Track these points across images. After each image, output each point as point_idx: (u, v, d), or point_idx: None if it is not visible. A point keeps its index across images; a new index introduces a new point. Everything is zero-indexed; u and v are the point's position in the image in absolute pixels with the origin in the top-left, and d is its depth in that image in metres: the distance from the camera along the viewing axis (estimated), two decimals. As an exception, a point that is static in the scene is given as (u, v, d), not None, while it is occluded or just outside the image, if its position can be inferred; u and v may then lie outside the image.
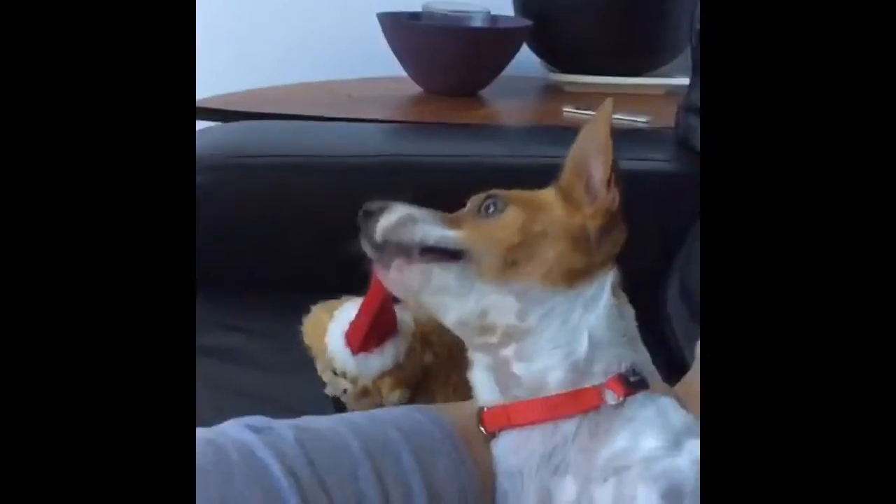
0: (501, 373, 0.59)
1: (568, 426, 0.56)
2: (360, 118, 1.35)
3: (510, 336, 0.58)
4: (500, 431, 0.59)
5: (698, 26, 1.37)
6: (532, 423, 0.57)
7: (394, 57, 1.55)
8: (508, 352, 0.58)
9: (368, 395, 0.70)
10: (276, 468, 0.49)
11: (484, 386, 0.61)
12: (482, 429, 0.60)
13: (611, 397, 0.56)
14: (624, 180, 1.18)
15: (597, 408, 0.56)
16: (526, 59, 1.67)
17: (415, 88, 1.57)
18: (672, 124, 1.31)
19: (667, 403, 0.57)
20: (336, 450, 0.53)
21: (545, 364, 0.57)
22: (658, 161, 1.20)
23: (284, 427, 0.53)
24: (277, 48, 1.79)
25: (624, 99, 1.58)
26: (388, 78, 1.62)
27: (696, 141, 1.20)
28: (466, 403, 0.67)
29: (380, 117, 1.39)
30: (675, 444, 0.54)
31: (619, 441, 0.55)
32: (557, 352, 0.57)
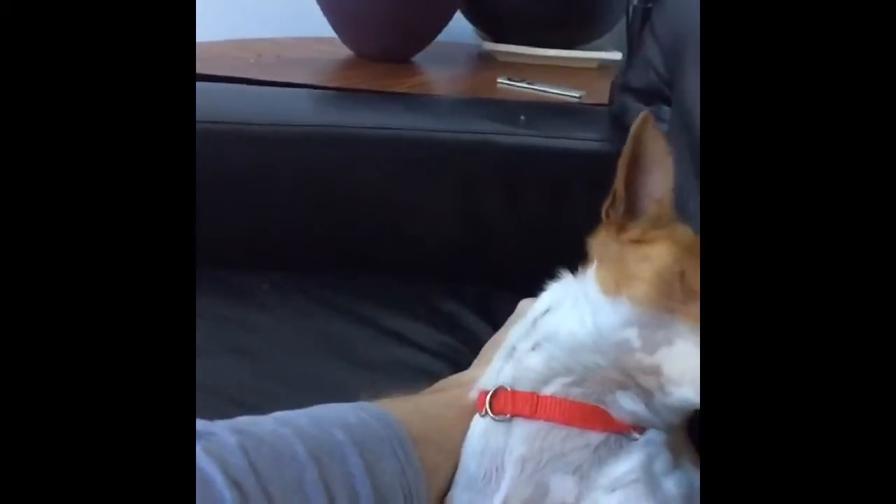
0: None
1: (594, 437, 0.57)
2: (290, 82, 1.30)
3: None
4: (513, 416, 0.59)
5: (635, 1, 1.37)
6: (560, 423, 0.58)
7: (324, 18, 1.49)
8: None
9: None
10: (219, 480, 0.46)
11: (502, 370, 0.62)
12: (488, 409, 0.60)
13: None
14: (562, 158, 1.19)
15: (623, 432, 0.58)
16: (460, 27, 1.64)
17: (345, 51, 1.52)
18: (605, 101, 1.31)
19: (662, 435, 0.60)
20: (281, 456, 0.50)
21: None
22: (595, 141, 1.19)
23: (226, 431, 0.50)
24: (204, 1, 1.70)
25: (557, 72, 1.57)
26: (318, 39, 1.56)
27: (632, 121, 1.19)
28: (412, 398, 0.65)
29: (310, 81, 1.34)
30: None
31: (634, 459, 0.56)
32: None
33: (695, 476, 0.58)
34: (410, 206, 1.11)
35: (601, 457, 0.57)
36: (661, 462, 0.58)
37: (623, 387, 0.59)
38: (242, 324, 0.96)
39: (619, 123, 1.22)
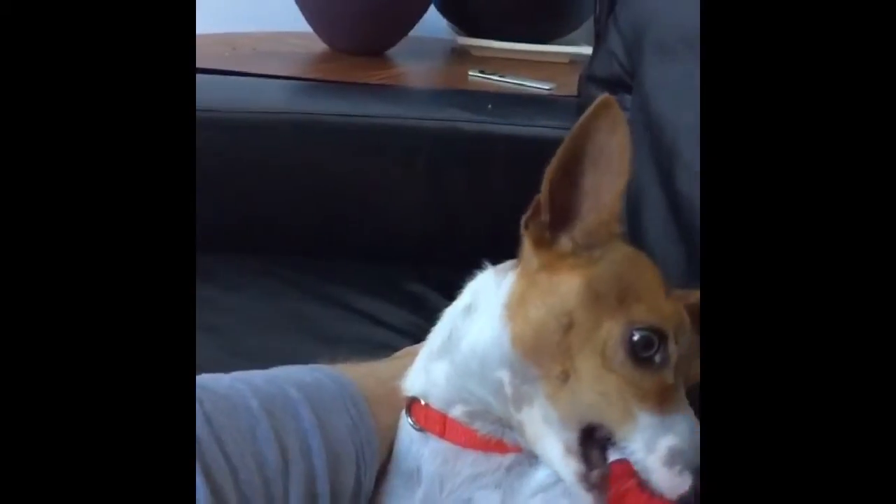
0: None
1: (503, 459, 0.57)
2: (264, 73, 1.32)
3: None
4: (427, 432, 0.59)
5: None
6: (467, 448, 0.57)
7: (299, 12, 1.52)
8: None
9: None
10: None
11: (436, 385, 0.59)
12: (410, 419, 0.59)
13: None
14: (528, 146, 1.22)
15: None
16: (434, 22, 1.67)
17: (321, 45, 1.55)
18: (575, 93, 1.34)
19: None
20: (235, 408, 0.53)
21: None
22: (560, 129, 1.22)
23: (185, 384, 0.53)
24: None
25: (529, 66, 1.60)
26: (293, 33, 1.59)
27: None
28: (367, 363, 0.68)
29: (285, 73, 1.36)
30: None
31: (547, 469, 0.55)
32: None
33: None
34: (379, 191, 1.15)
35: (519, 472, 0.56)
36: None
37: (512, 427, 0.56)
38: (215, 305, 0.99)
39: (583, 112, 1.26)
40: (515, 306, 0.55)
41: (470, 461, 0.57)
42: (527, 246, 0.57)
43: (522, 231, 0.57)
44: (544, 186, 0.54)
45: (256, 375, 0.59)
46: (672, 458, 0.50)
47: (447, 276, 1.09)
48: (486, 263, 0.62)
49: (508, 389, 0.54)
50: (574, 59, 1.69)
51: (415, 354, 0.68)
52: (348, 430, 0.58)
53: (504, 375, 0.54)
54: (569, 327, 0.52)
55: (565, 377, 0.52)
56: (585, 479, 0.51)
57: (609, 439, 0.52)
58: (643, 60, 1.11)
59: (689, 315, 0.57)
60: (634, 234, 1.01)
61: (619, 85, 1.19)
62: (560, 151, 0.53)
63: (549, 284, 0.54)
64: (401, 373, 0.64)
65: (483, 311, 0.57)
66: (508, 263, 0.60)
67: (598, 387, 0.51)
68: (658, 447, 0.50)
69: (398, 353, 0.74)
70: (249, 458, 0.52)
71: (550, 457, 0.53)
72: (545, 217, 0.55)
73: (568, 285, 0.54)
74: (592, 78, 1.26)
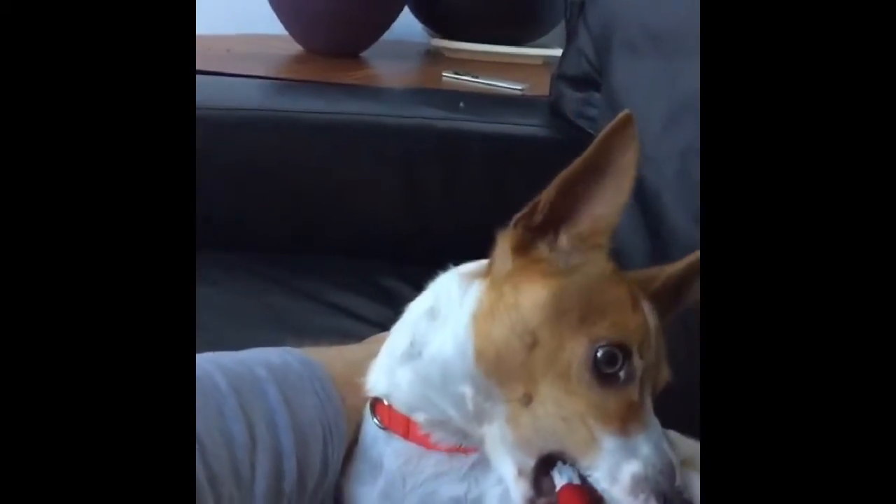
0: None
1: (466, 459, 0.57)
2: (239, 73, 1.34)
3: None
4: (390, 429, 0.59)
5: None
6: (430, 449, 0.57)
7: (274, 14, 1.53)
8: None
9: None
10: None
11: (407, 391, 0.58)
12: (374, 419, 0.59)
13: None
14: (500, 143, 1.24)
15: None
16: (409, 24, 1.69)
17: (295, 47, 1.56)
18: (547, 93, 1.36)
19: None
20: (202, 387, 0.54)
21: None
22: (532, 126, 1.24)
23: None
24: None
25: (503, 68, 1.63)
26: (268, 36, 1.60)
27: (568, 108, 1.25)
28: (334, 348, 0.69)
29: (260, 74, 1.38)
30: None
31: None
32: None
33: None
34: (354, 188, 1.16)
35: (483, 467, 0.57)
36: None
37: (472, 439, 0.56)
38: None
39: (555, 111, 1.28)
40: (480, 320, 0.54)
41: (433, 461, 0.58)
42: (503, 248, 0.56)
43: (508, 231, 0.56)
44: (550, 190, 0.54)
45: (224, 356, 0.60)
46: (636, 487, 0.50)
47: (421, 271, 1.11)
48: (450, 265, 0.61)
49: (470, 405, 0.54)
50: (547, 61, 1.71)
51: (383, 341, 0.68)
52: (315, 409, 0.59)
53: (466, 391, 0.54)
54: (532, 347, 0.52)
55: (528, 400, 0.52)
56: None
57: (564, 461, 0.52)
58: (611, 58, 1.13)
59: (651, 293, 0.59)
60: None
61: (589, 83, 1.22)
62: (581, 160, 0.53)
63: (514, 297, 0.54)
64: (368, 357, 0.64)
65: (447, 320, 0.56)
66: (473, 267, 0.59)
67: (561, 412, 0.51)
68: (622, 477, 0.50)
69: (367, 340, 0.75)
70: (217, 434, 0.53)
71: (503, 474, 0.53)
72: (539, 218, 0.55)
73: (533, 299, 0.53)
74: (563, 77, 1.28)
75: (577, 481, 0.51)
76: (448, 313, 0.57)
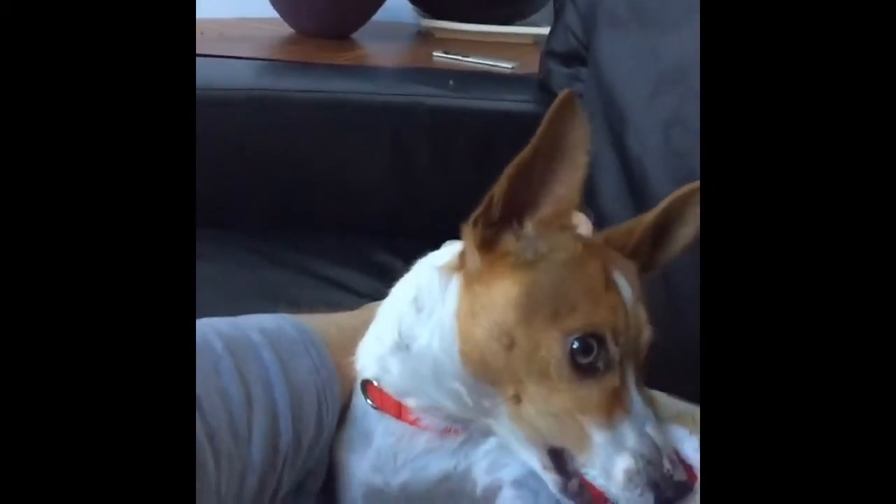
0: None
1: (456, 439, 0.59)
2: (231, 55, 1.35)
3: None
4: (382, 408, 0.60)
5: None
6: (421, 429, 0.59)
7: (265, -4, 1.54)
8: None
9: None
10: None
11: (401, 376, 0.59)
12: (368, 399, 0.60)
13: None
14: (489, 120, 1.25)
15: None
16: (399, 5, 1.70)
17: (286, 29, 1.57)
18: (536, 71, 1.38)
19: None
20: (199, 348, 0.56)
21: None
22: (520, 102, 1.26)
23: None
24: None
25: (493, 47, 1.64)
26: (259, 19, 1.61)
27: (556, 84, 1.27)
28: (328, 315, 0.70)
29: (252, 56, 1.39)
30: None
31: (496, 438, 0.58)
32: None
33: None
34: (345, 165, 1.18)
35: (472, 443, 0.59)
36: None
37: (471, 422, 0.58)
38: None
39: (544, 87, 1.29)
40: (462, 321, 0.55)
41: (424, 439, 0.59)
42: (469, 245, 0.56)
43: (467, 230, 0.55)
44: (501, 183, 0.53)
45: (220, 321, 0.61)
46: (630, 481, 0.51)
47: (412, 245, 1.13)
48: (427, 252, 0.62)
49: (468, 400, 0.55)
50: (537, 40, 1.72)
51: (375, 310, 0.69)
52: (310, 371, 0.61)
53: (460, 388, 0.55)
54: (510, 347, 0.52)
55: (518, 399, 0.53)
56: (565, 489, 0.53)
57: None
58: (597, 34, 1.15)
59: (632, 248, 0.60)
60: (590, 196, 1.04)
61: (576, 59, 1.23)
62: (526, 150, 0.52)
63: (487, 297, 0.54)
64: (361, 325, 0.65)
65: (431, 314, 0.57)
66: (448, 258, 0.59)
67: (549, 409, 0.52)
68: (615, 473, 0.51)
69: (360, 308, 0.76)
70: (214, 393, 0.55)
71: (530, 465, 0.55)
72: (495, 214, 0.54)
73: (505, 297, 0.53)
74: (551, 53, 1.29)
75: None
76: (432, 308, 0.57)
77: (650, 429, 0.52)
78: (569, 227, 0.56)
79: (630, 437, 0.52)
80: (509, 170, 0.53)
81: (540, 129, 0.52)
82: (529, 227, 0.55)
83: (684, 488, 0.51)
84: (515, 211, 0.55)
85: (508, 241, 0.55)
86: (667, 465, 0.51)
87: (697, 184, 0.59)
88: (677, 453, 0.53)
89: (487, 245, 0.55)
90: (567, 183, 0.54)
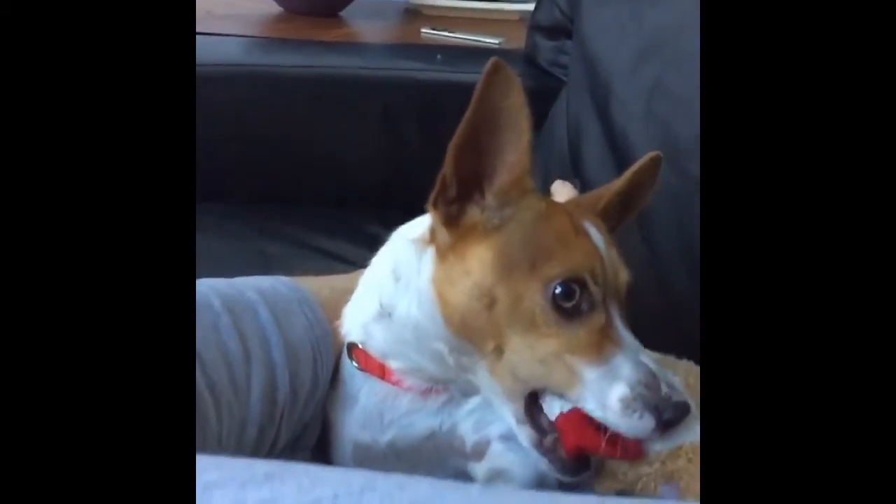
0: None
1: (438, 398, 0.61)
2: (220, 33, 1.36)
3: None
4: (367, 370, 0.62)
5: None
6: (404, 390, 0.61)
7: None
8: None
9: None
10: None
11: (386, 342, 0.60)
12: (353, 361, 0.62)
13: None
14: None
15: None
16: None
17: (275, 7, 1.58)
18: (523, 47, 1.39)
19: None
20: (198, 304, 0.58)
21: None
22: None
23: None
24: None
25: (481, 24, 1.65)
26: (247, -3, 1.63)
27: (542, 57, 1.29)
28: (321, 277, 0.72)
29: (241, 33, 1.40)
30: None
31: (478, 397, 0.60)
32: None
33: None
34: (336, 140, 1.20)
35: (454, 403, 0.61)
36: None
37: (451, 381, 0.59)
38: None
39: (530, 61, 1.31)
40: (439, 288, 0.56)
41: (408, 399, 0.61)
42: (436, 223, 0.57)
43: (430, 210, 0.57)
44: (448, 163, 0.55)
45: (217, 282, 0.63)
46: (626, 408, 0.51)
47: (403, 217, 1.16)
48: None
49: (449, 360, 0.57)
50: (524, 16, 1.73)
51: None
52: (304, 329, 0.63)
53: (442, 348, 0.57)
54: (492, 305, 0.54)
55: (500, 352, 0.54)
56: (540, 444, 0.55)
57: (556, 394, 0.54)
58: (581, 6, 1.17)
59: (600, 210, 0.63)
60: (576, 165, 1.07)
61: (561, 31, 1.25)
62: (461, 126, 0.53)
63: (462, 265, 0.55)
64: (353, 286, 0.67)
65: (409, 285, 0.59)
66: (421, 227, 0.61)
67: (536, 355, 0.53)
68: (610, 402, 0.51)
69: (352, 273, 0.78)
70: (213, 347, 0.57)
71: (506, 421, 0.57)
72: (452, 192, 0.56)
73: (480, 261, 0.55)
74: (537, 27, 1.31)
75: (566, 408, 0.54)
76: (409, 279, 0.59)
77: (644, 357, 0.53)
78: (529, 191, 0.57)
79: (625, 367, 0.52)
80: (451, 149, 0.54)
81: (472, 102, 0.53)
82: (490, 197, 0.56)
83: (684, 409, 0.51)
84: (473, 184, 0.56)
85: (473, 214, 0.56)
86: (664, 388, 0.51)
87: (658, 153, 0.65)
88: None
89: (454, 220, 0.57)
90: (515, 149, 0.55)
